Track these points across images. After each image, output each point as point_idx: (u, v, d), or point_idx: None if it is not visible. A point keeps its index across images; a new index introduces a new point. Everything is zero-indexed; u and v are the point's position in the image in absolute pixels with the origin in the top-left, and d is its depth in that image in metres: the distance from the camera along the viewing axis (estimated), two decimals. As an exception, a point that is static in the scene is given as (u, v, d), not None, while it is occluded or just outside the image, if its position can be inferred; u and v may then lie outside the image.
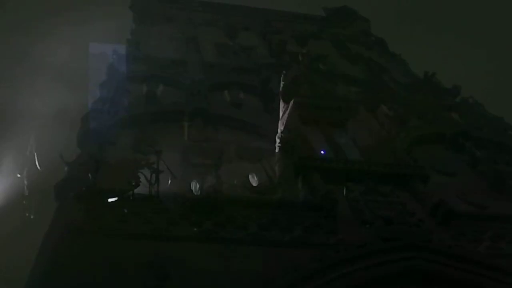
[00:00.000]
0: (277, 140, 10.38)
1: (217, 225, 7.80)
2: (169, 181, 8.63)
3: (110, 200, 7.94)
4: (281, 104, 11.07)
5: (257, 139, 11.07)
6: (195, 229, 7.71)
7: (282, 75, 11.59)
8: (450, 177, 10.83)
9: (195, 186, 9.06)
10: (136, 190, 8.21)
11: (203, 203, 8.10)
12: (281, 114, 10.98)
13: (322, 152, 10.34)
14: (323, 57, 17.21)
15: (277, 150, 10.26)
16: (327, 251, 7.46)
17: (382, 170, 9.83)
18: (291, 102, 10.90)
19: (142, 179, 8.34)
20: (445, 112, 14.26)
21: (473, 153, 11.85)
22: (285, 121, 10.58)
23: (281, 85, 11.43)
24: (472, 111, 14.59)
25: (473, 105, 14.96)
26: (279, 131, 10.59)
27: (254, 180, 9.70)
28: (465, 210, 9.43)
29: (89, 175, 8.39)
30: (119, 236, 7.35)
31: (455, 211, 8.97)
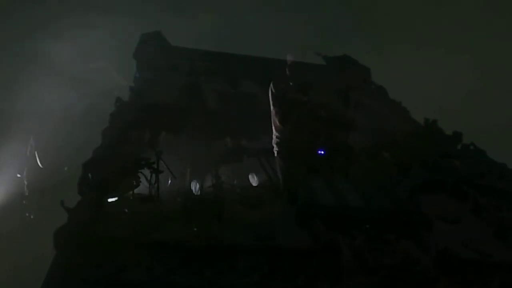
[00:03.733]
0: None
1: (218, 273, 7.69)
2: (169, 181, 8.58)
3: (110, 200, 7.88)
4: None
5: (260, 186, 11.05)
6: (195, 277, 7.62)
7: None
8: (454, 224, 10.74)
9: (195, 186, 8.99)
10: (136, 190, 8.15)
11: (203, 251, 8.00)
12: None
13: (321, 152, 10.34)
14: (324, 104, 17.33)
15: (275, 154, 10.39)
16: (331, 300, 7.34)
17: (385, 217, 9.77)
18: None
19: (142, 179, 8.29)
20: (446, 159, 14.25)
21: (477, 200, 11.78)
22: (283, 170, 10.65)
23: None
24: (474, 157, 14.59)
25: (474, 151, 14.98)
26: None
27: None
28: (471, 258, 9.29)
29: (90, 222, 8.35)
30: (119, 285, 7.24)
31: (460, 259, 8.85)
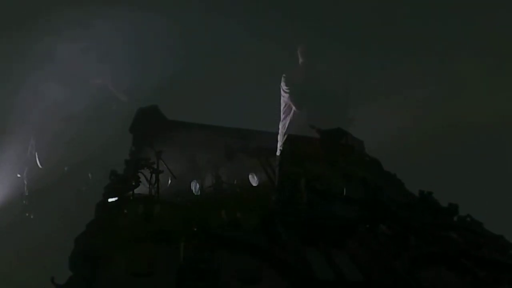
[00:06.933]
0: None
1: None
2: (169, 181, 8.48)
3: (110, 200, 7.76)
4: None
5: (254, 260, 10.87)
6: None
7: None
8: (455, 298, 10.56)
9: (195, 186, 8.84)
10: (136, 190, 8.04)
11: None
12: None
13: None
14: (319, 177, 17.38)
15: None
16: None
17: (384, 291, 9.60)
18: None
19: (142, 179, 8.20)
20: (443, 231, 14.17)
21: (476, 273, 11.61)
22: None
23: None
24: (470, 230, 14.51)
25: (471, 223, 14.91)
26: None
27: None
28: (472, 334, 9.08)
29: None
30: None
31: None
